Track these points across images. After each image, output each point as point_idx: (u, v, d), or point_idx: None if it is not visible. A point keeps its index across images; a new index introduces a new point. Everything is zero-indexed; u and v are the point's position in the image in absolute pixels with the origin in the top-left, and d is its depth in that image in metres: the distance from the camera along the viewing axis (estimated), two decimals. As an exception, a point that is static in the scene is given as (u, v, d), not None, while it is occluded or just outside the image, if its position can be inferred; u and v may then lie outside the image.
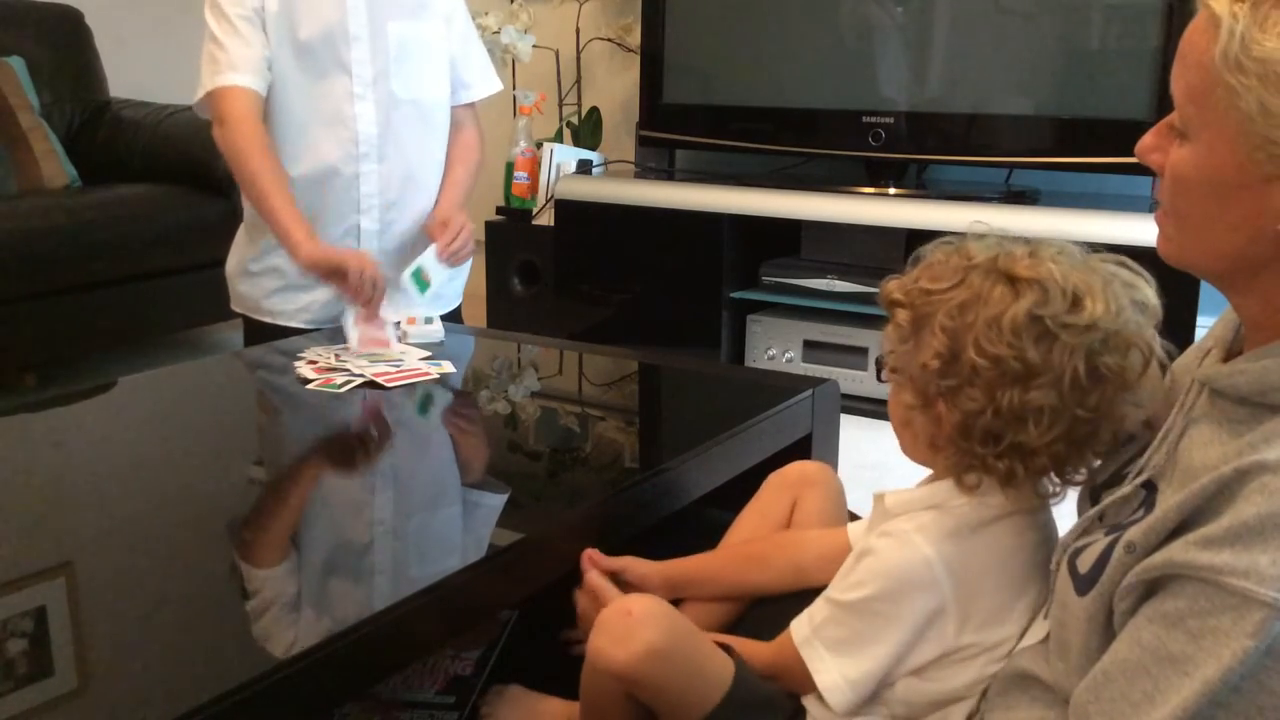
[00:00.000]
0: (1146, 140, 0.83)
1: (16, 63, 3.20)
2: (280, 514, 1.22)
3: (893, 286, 0.97)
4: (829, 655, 0.96)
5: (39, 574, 1.01)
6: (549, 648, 1.25)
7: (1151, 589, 0.75)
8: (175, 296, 3.13)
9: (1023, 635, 0.94)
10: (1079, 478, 0.94)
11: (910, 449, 1.00)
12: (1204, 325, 1.70)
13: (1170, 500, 0.76)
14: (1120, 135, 2.22)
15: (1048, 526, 0.98)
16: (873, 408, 2.54)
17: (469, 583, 1.01)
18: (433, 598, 0.96)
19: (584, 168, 3.29)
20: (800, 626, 1.00)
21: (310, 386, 1.54)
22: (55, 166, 3.19)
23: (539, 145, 3.40)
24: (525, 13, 3.39)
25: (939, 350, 0.91)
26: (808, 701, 1.00)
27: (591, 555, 1.14)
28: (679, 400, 1.71)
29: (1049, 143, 2.65)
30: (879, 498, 1.02)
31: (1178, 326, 2.35)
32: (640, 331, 3.05)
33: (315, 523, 1.18)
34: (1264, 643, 0.69)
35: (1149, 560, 0.75)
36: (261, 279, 2.01)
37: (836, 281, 2.85)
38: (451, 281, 2.19)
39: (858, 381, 2.73)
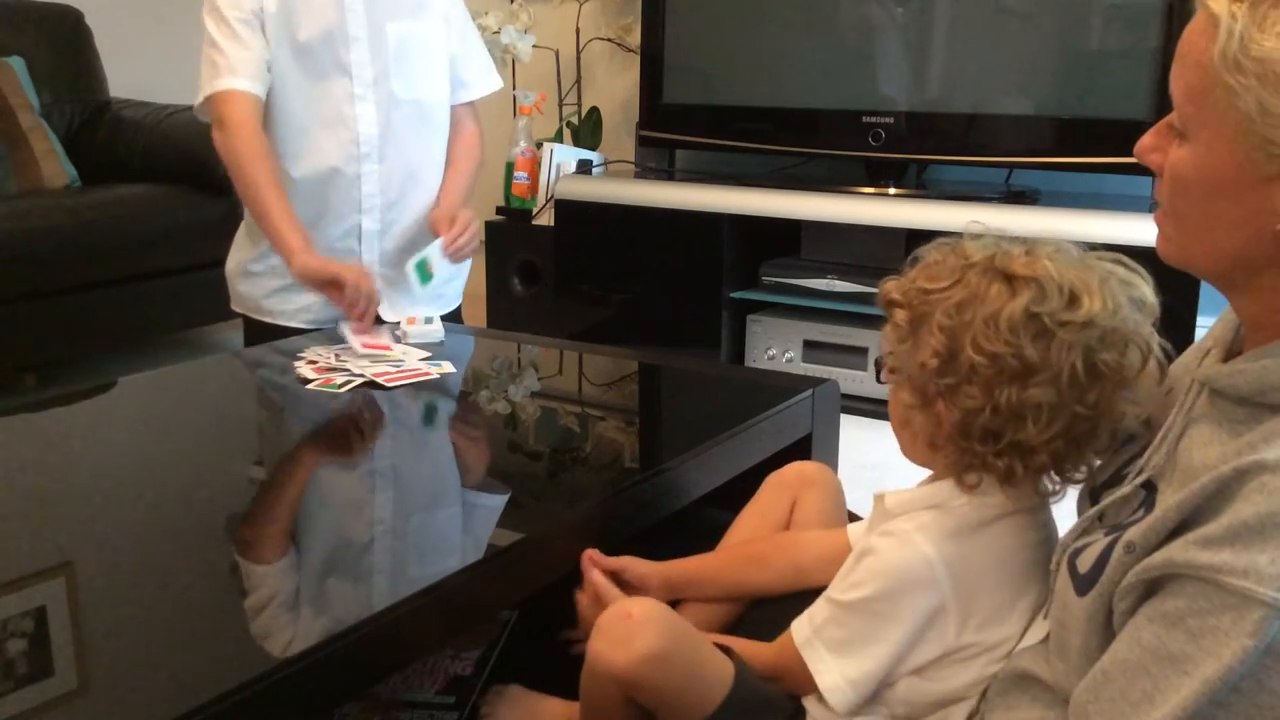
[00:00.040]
0: (1145, 140, 0.83)
1: (16, 63, 3.20)
2: (280, 514, 1.22)
3: (891, 287, 0.97)
4: (830, 656, 0.96)
5: (39, 574, 1.01)
6: (549, 648, 1.24)
7: (1151, 589, 0.75)
8: (175, 296, 3.13)
9: (1023, 635, 0.94)
10: (1079, 476, 0.94)
11: (910, 449, 1.00)
12: (1204, 325, 1.70)
13: (1170, 500, 0.76)
14: (1120, 135, 2.22)
15: (1048, 526, 0.98)
16: (873, 408, 2.54)
17: (469, 583, 1.01)
18: (432, 598, 0.96)
19: (584, 168, 3.30)
20: (801, 627, 1.00)
21: (310, 386, 1.54)
22: (55, 166, 3.19)
23: (539, 145, 3.40)
24: (525, 13, 3.39)
25: (937, 349, 0.91)
26: (808, 702, 0.99)
27: (591, 555, 1.14)
28: (679, 400, 1.71)
29: (1049, 143, 2.65)
30: (879, 498, 1.02)
31: (1178, 326, 2.36)
32: (640, 331, 3.05)
33: (315, 522, 1.18)
34: (1263, 642, 0.69)
35: (1149, 560, 0.75)
36: (261, 279, 2.02)
37: (836, 281, 2.85)
38: (451, 281, 2.19)
39: (858, 381, 2.74)
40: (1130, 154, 0.85)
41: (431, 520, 1.18)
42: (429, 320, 1.83)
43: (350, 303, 1.72)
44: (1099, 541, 0.82)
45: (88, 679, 0.86)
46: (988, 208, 2.61)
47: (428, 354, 1.70)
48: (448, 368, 1.64)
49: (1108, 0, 2.55)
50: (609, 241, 3.08)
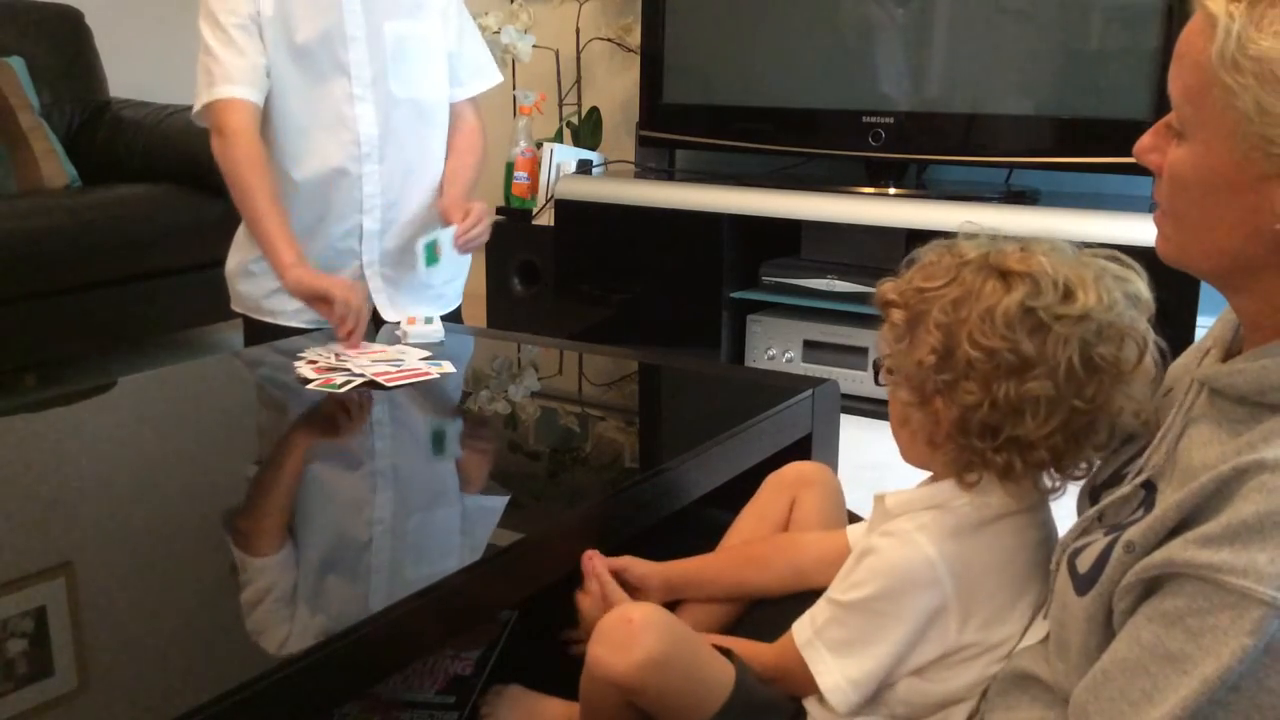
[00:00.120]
0: (1144, 141, 0.83)
1: (16, 63, 3.20)
2: (280, 514, 1.22)
3: (887, 288, 0.97)
4: (830, 656, 0.96)
5: (39, 574, 1.01)
6: (549, 648, 1.24)
7: (1151, 588, 0.75)
8: (175, 296, 3.13)
9: (1023, 635, 0.94)
10: (1078, 472, 0.94)
11: (908, 450, 1.00)
12: (1204, 325, 1.70)
13: (1169, 499, 0.76)
14: (1120, 135, 2.22)
15: (1048, 526, 0.98)
16: (873, 408, 2.54)
17: (468, 583, 1.01)
18: (432, 598, 0.96)
19: (584, 168, 3.30)
20: (802, 628, 1.00)
21: (310, 386, 1.54)
22: (55, 166, 3.19)
23: (539, 145, 3.40)
24: (525, 13, 3.39)
25: (934, 346, 0.91)
26: (808, 703, 1.00)
27: (592, 556, 1.14)
28: (679, 400, 1.71)
29: (1049, 143, 2.65)
30: (879, 499, 1.02)
31: (1178, 326, 2.36)
32: (640, 331, 3.05)
33: (316, 522, 1.18)
34: (1263, 641, 0.69)
35: (1148, 559, 0.75)
36: (261, 279, 2.01)
37: (836, 281, 2.85)
38: (451, 282, 2.19)
39: (858, 381, 2.74)
40: (1130, 154, 0.85)
41: (431, 520, 1.18)
42: (429, 320, 1.83)
43: (339, 318, 1.71)
44: (1099, 541, 0.82)
45: (88, 679, 0.86)
46: (988, 208, 2.61)
47: (428, 354, 1.70)
48: (448, 367, 1.64)
49: (1107, 0, 2.55)
50: (609, 241, 3.08)
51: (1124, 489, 0.85)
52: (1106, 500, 0.86)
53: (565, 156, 3.34)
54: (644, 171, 3.32)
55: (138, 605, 0.95)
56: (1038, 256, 0.91)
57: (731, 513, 1.26)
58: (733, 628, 1.16)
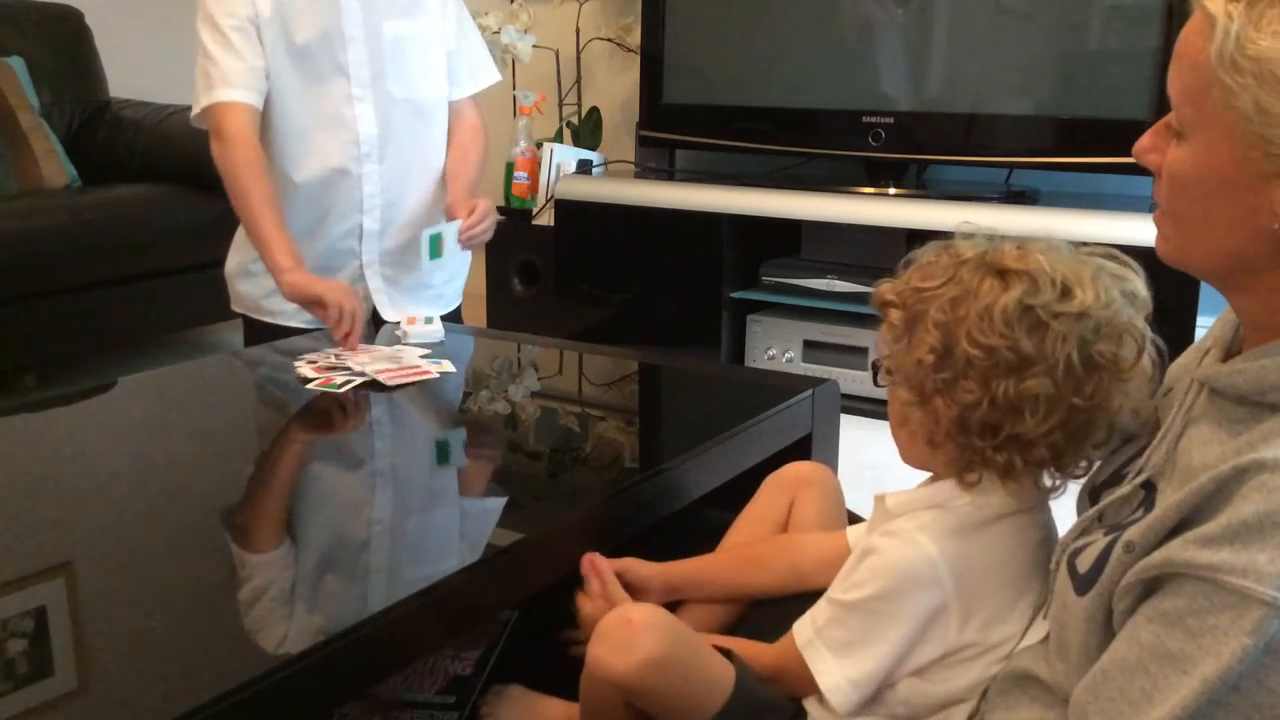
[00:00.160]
0: (1144, 141, 0.83)
1: (16, 63, 3.20)
2: (280, 514, 1.22)
3: (885, 288, 0.97)
4: (831, 656, 0.96)
5: (39, 574, 1.01)
6: (549, 648, 1.24)
7: (1150, 588, 0.75)
8: (175, 296, 3.13)
9: (1023, 635, 0.94)
10: (1078, 471, 0.95)
11: (908, 450, 1.00)
12: (1204, 325, 1.70)
13: (1169, 499, 0.76)
14: (1120, 135, 2.21)
15: (1048, 526, 0.98)
16: (873, 408, 2.53)
17: (468, 583, 1.01)
18: (432, 598, 0.96)
19: (584, 168, 3.30)
20: (803, 629, 1.00)
21: (310, 386, 1.54)
22: (55, 166, 3.19)
23: (539, 145, 3.40)
24: (525, 13, 3.39)
25: (933, 345, 0.91)
26: (808, 703, 0.99)
27: (592, 559, 1.14)
28: (679, 400, 1.71)
29: (1049, 143, 2.65)
30: (880, 499, 1.02)
31: (1178, 326, 2.35)
32: (640, 331, 3.05)
33: (316, 522, 1.18)
34: (1262, 641, 0.69)
35: (1148, 559, 0.75)
36: (261, 279, 2.01)
37: (836, 281, 2.85)
38: (451, 282, 2.20)
39: (858, 381, 2.73)
40: (1130, 154, 0.85)
41: (431, 520, 1.18)
42: (429, 320, 1.83)
43: (334, 322, 1.71)
44: (1098, 541, 0.82)
45: (88, 679, 0.86)
46: (988, 208, 2.61)
47: (427, 352, 1.70)
48: (448, 366, 1.64)
49: (1108, 0, 2.55)
50: (609, 241, 3.08)
51: (1124, 489, 0.85)
52: (1106, 500, 0.86)
53: (565, 156, 3.34)
54: (644, 171, 3.32)
55: (138, 605, 0.95)
56: (1035, 255, 0.91)
57: (732, 513, 1.26)
58: (733, 628, 1.16)
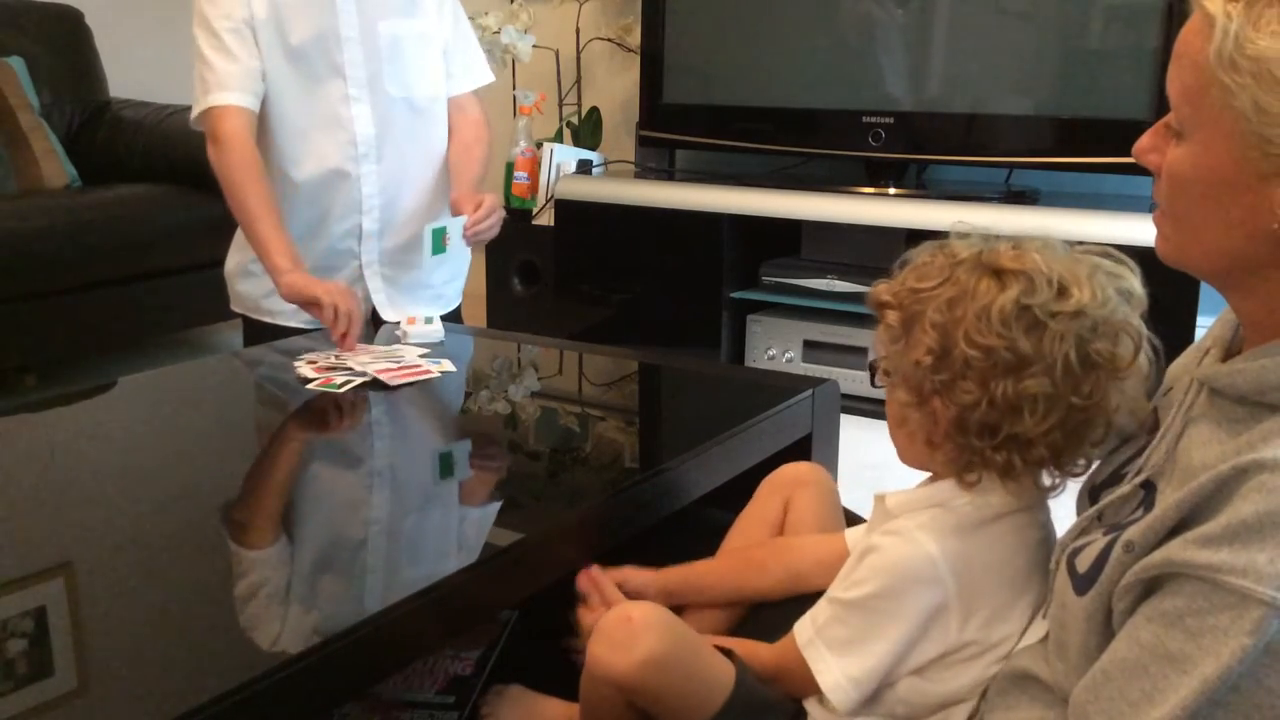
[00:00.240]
0: (1143, 141, 0.83)
1: (16, 63, 3.20)
2: (280, 513, 1.22)
3: (881, 289, 0.98)
4: (831, 655, 0.96)
5: (39, 574, 1.01)
6: (549, 648, 1.25)
7: (1150, 588, 0.75)
8: (175, 296, 3.13)
9: (1023, 635, 0.94)
10: (1077, 470, 0.95)
11: (907, 451, 1.00)
12: (1204, 325, 1.70)
13: (1169, 499, 0.76)
14: (1120, 135, 2.21)
15: (1047, 526, 0.98)
16: (873, 408, 2.53)
17: (468, 583, 1.01)
18: (433, 598, 0.96)
19: (584, 168, 3.30)
20: (804, 628, 1.00)
21: (310, 386, 1.54)
22: (55, 166, 3.19)
23: (539, 145, 3.40)
24: (525, 13, 3.39)
25: (931, 346, 0.91)
26: (808, 703, 0.99)
27: (590, 574, 1.14)
28: (679, 400, 1.71)
29: (1049, 143, 2.65)
30: (879, 499, 1.02)
31: (1177, 326, 2.35)
32: (640, 331, 3.05)
33: (316, 522, 1.18)
34: (1262, 641, 0.69)
35: (1148, 559, 0.75)
36: (261, 279, 2.01)
37: (836, 281, 2.85)
38: (451, 282, 2.19)
39: (858, 381, 2.73)
40: (1130, 154, 0.85)
41: (431, 520, 1.18)
42: (429, 320, 1.83)
43: (329, 323, 1.71)
44: (1098, 541, 0.82)
45: (88, 679, 0.86)
46: (988, 208, 2.61)
47: (427, 351, 1.70)
48: (448, 365, 1.64)
49: (1107, 0, 2.55)
50: (609, 241, 3.08)
51: (1123, 488, 0.85)
52: (1106, 500, 0.86)
53: (565, 156, 3.34)
54: (644, 171, 3.32)
55: (138, 605, 0.95)
56: (1031, 254, 0.91)
57: (732, 513, 1.26)
58: (733, 632, 1.15)
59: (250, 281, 2.05)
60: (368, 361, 1.62)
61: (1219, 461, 0.74)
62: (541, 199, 3.35)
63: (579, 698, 1.05)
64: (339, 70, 1.93)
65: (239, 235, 2.07)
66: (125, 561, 1.05)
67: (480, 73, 2.13)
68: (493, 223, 1.91)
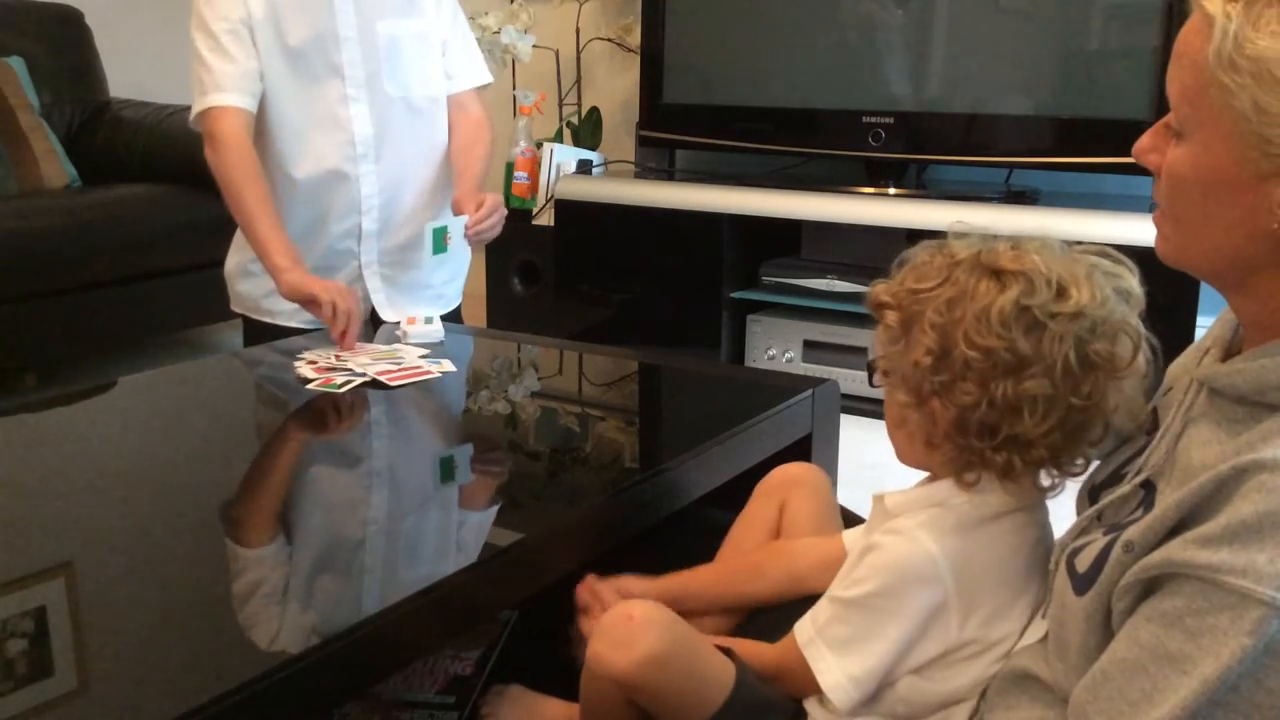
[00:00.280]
0: (1143, 141, 0.83)
1: (16, 63, 3.20)
2: (280, 514, 1.22)
3: (880, 289, 0.97)
4: (831, 655, 0.96)
5: (39, 574, 1.01)
6: (549, 648, 1.24)
7: (1150, 588, 0.75)
8: (175, 296, 3.13)
9: (1022, 634, 0.94)
10: (1076, 469, 0.95)
11: (905, 451, 1.00)
12: (1204, 325, 1.70)
13: (1169, 499, 0.76)
14: (1120, 135, 2.21)
15: (1045, 525, 0.98)
16: (873, 408, 2.53)
17: (468, 583, 1.01)
18: (432, 598, 0.96)
19: (584, 168, 3.30)
20: (804, 628, 1.00)
21: (310, 386, 1.54)
22: (55, 166, 3.19)
23: (539, 145, 3.40)
24: (525, 13, 3.40)
25: (930, 347, 0.91)
26: (808, 703, 0.99)
27: (589, 586, 1.14)
28: (679, 400, 1.71)
29: (1049, 143, 2.65)
30: (879, 499, 1.02)
31: (1177, 326, 2.35)
32: (640, 331, 3.05)
33: (316, 522, 1.18)
34: (1262, 641, 0.69)
35: (1147, 559, 0.75)
36: (261, 278, 2.01)
37: (836, 281, 2.85)
38: (451, 282, 2.19)
39: (858, 381, 2.73)
40: (1130, 154, 0.85)
41: (431, 520, 1.18)
42: (429, 320, 1.83)
43: (328, 321, 1.71)
44: (1098, 541, 0.82)
45: (88, 679, 0.86)
46: (988, 208, 2.61)
47: (426, 351, 1.70)
48: (448, 365, 1.64)
49: (1108, 0, 2.55)
50: (609, 241, 3.08)
51: (1123, 488, 0.85)
52: (1105, 500, 0.86)
53: (565, 156, 3.34)
54: (644, 171, 3.32)
55: (138, 605, 0.95)
56: (1030, 255, 0.91)
57: (732, 513, 1.26)
58: (734, 632, 1.15)
59: (250, 281, 2.05)
60: (368, 363, 1.62)
61: (1219, 461, 0.74)
62: (541, 199, 3.35)
63: (579, 697, 1.05)
64: (337, 70, 1.93)
65: (239, 235, 2.07)
66: (125, 561, 1.05)
67: (479, 72, 2.13)
68: (494, 222, 1.91)
